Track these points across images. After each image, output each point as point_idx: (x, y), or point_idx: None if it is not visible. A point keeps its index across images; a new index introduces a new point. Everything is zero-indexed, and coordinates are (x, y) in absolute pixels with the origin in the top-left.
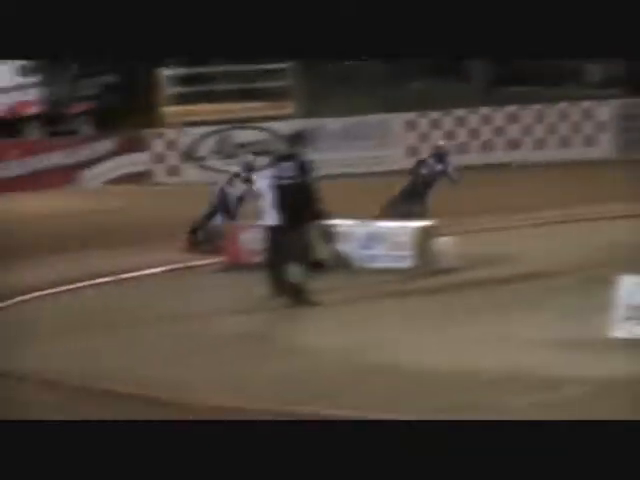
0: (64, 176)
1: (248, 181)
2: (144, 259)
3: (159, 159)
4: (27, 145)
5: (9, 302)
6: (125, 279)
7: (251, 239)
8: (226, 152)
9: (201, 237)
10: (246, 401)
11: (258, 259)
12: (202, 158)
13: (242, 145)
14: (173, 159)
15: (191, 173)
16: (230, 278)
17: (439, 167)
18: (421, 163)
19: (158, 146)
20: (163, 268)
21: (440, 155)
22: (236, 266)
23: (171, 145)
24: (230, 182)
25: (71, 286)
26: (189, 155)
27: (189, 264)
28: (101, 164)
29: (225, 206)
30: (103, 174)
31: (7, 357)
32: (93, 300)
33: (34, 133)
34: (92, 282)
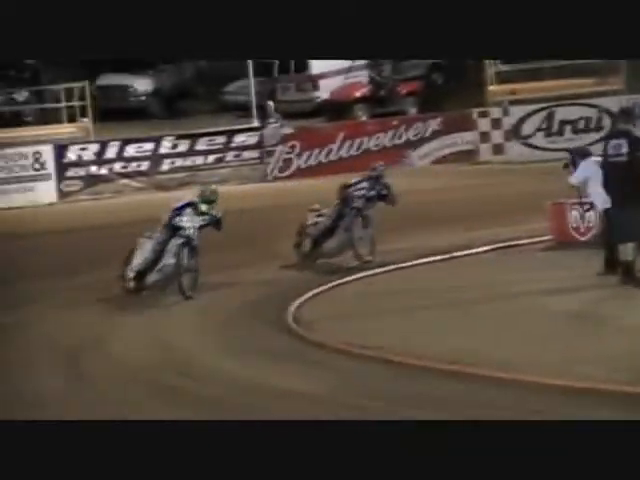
0: (392, 156)
1: (211, 215)
2: (470, 237)
3: (484, 138)
4: (357, 126)
5: (353, 277)
6: (452, 257)
7: (578, 217)
8: (551, 130)
9: (153, 280)
10: (574, 380)
11: (585, 237)
12: (527, 136)
13: (568, 122)
14: (498, 137)
15: (515, 151)
16: (557, 256)
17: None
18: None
19: (483, 125)
20: (490, 246)
21: (374, 178)
22: (563, 244)
23: (496, 124)
24: (182, 213)
25: (401, 265)
26: (514, 133)
27: (515, 242)
28: (428, 144)
29: (187, 240)
30: (430, 153)
31: (351, 332)
32: (420, 278)
33: (363, 114)
34: (421, 261)
